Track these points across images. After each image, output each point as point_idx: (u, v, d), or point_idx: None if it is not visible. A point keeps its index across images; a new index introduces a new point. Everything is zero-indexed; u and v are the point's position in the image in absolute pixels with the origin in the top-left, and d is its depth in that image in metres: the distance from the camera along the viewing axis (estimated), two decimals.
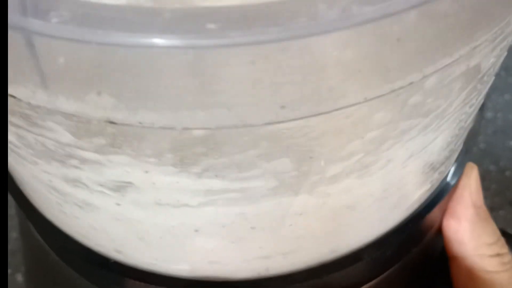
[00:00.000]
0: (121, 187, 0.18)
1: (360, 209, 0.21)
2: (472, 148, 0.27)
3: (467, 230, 0.27)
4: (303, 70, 0.14)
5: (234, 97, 0.14)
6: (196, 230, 0.20)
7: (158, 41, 0.13)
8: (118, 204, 0.19)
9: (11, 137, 0.18)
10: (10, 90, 0.15)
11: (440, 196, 0.25)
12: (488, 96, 0.24)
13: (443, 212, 0.27)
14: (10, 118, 0.17)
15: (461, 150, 0.26)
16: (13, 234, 0.35)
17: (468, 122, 0.22)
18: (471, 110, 0.21)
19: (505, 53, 0.20)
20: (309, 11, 0.13)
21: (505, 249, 0.28)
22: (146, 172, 0.17)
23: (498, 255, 0.28)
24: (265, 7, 0.13)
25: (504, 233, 0.29)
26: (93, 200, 0.19)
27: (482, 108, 0.25)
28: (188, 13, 0.13)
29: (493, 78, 0.21)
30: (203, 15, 0.13)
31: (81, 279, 0.24)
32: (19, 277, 0.43)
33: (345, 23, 0.13)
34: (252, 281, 0.22)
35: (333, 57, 0.14)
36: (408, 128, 0.18)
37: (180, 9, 0.13)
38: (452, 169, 0.26)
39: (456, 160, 0.26)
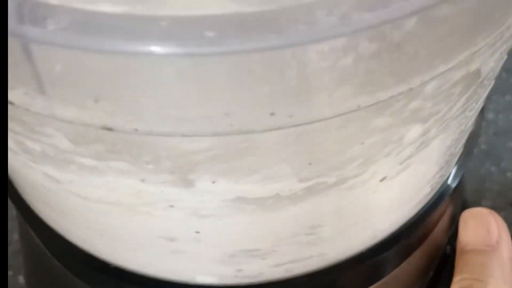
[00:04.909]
0: (120, 192, 0.18)
1: (360, 213, 0.21)
2: (473, 151, 0.27)
3: None
4: (302, 77, 0.14)
5: (231, 104, 0.14)
6: (195, 236, 0.20)
7: (156, 48, 0.13)
8: (117, 209, 0.19)
9: (9, 143, 0.18)
10: (9, 97, 0.15)
11: (440, 199, 0.25)
12: (489, 98, 0.24)
13: (443, 215, 0.27)
14: (9, 124, 0.17)
15: (461, 153, 0.26)
16: (14, 236, 0.34)
17: (468, 125, 0.22)
18: (471, 114, 0.21)
19: (505, 57, 0.20)
20: (307, 18, 0.13)
21: None
22: (143, 179, 0.17)
23: None
24: (263, 14, 0.13)
25: None
26: (91, 205, 0.19)
27: (482, 110, 0.25)
28: (186, 21, 0.13)
29: (493, 81, 0.21)
30: (201, 23, 0.12)
31: (81, 284, 0.24)
32: (21, 279, 0.43)
33: (344, 30, 0.13)
34: (256, 285, 0.22)
35: (332, 63, 0.14)
36: (408, 133, 0.18)
37: (178, 17, 0.13)
38: (453, 172, 0.26)
39: (457, 163, 0.26)
